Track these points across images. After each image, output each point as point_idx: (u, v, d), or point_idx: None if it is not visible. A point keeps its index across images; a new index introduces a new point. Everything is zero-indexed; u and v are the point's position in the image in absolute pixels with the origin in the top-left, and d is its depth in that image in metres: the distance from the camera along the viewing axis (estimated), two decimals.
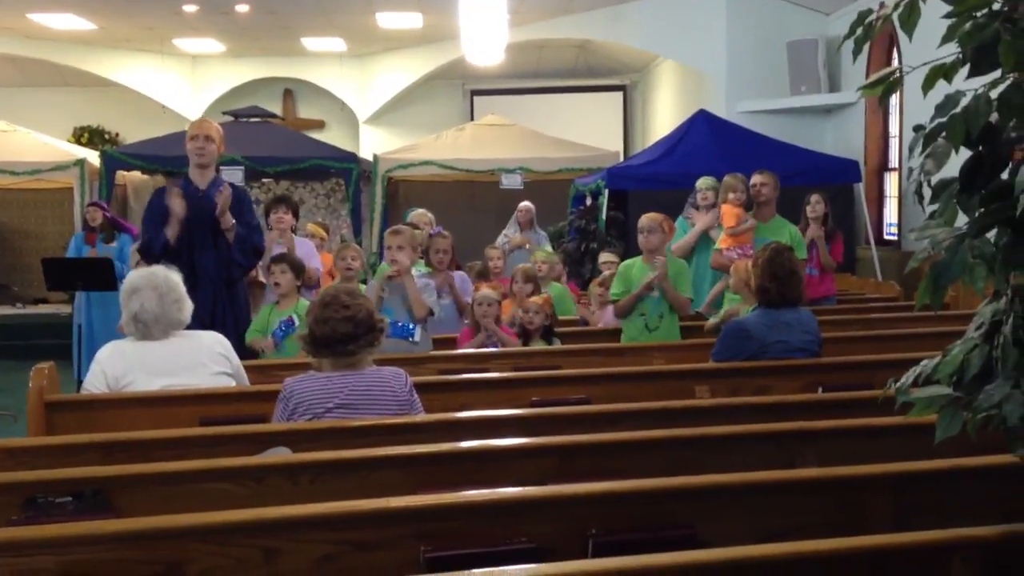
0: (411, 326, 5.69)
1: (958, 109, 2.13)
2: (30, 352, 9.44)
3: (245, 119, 14.68)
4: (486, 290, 5.95)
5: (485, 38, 12.36)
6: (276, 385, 4.07)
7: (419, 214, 7.94)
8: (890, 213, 11.92)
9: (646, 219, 6.20)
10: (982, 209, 2.14)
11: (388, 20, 15.56)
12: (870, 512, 2.93)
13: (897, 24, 2.24)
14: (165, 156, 12.64)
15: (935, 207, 2.22)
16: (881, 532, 2.70)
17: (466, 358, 5.51)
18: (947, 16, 2.17)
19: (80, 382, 8.20)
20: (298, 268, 6.13)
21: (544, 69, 18.78)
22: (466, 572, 2.34)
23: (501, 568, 2.35)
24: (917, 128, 2.24)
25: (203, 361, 4.46)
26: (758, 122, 12.41)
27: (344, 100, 19.11)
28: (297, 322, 5.75)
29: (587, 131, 16.86)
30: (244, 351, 5.48)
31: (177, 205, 5.87)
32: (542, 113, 18.09)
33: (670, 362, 5.44)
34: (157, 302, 4.35)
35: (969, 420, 2.16)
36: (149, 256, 5.89)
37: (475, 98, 19.68)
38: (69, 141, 17.33)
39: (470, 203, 14.64)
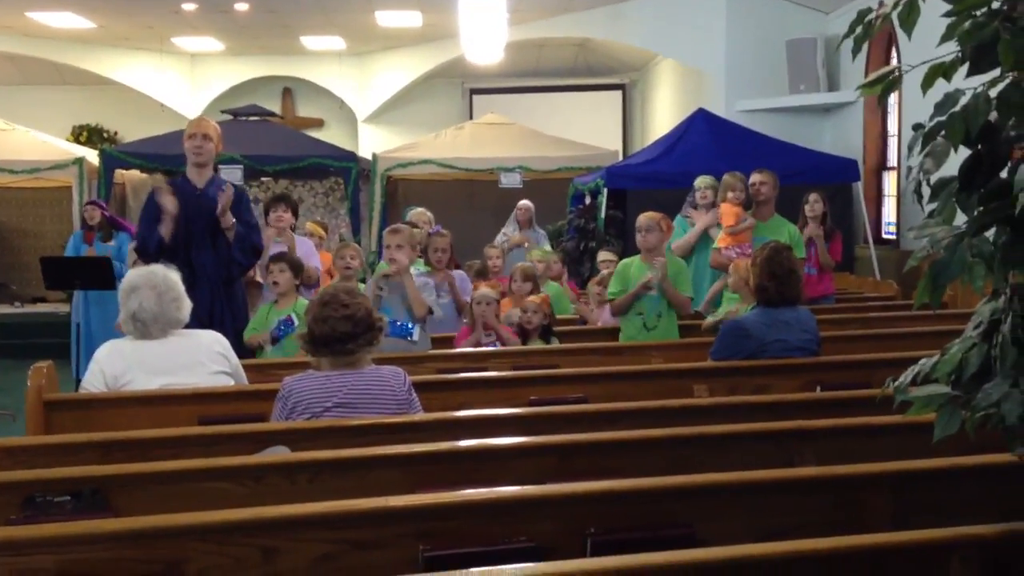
0: (410, 325, 5.69)
1: (957, 108, 2.13)
2: (28, 351, 9.44)
3: (244, 118, 14.68)
4: (485, 289, 5.96)
5: (484, 37, 12.37)
6: (275, 384, 4.07)
7: (418, 213, 7.94)
8: (888, 212, 11.93)
9: (644, 218, 6.20)
10: (981, 208, 2.14)
11: (387, 19, 15.56)
12: (869, 511, 2.93)
13: (896, 23, 2.24)
14: (164, 155, 12.64)
15: (934, 206, 2.22)
16: (880, 531, 2.70)
17: (465, 357, 5.51)
18: (946, 15, 2.17)
19: (78, 381, 8.19)
20: (297, 267, 6.13)
21: (543, 68, 18.79)
22: (465, 571, 2.33)
23: (500, 567, 2.35)
24: (916, 127, 2.24)
25: (202, 360, 4.45)
26: (757, 121, 12.41)
27: (343, 99, 19.12)
28: (296, 321, 5.75)
29: (586, 130, 16.87)
30: (242, 350, 5.47)
31: (169, 202, 5.87)
32: (541, 112, 18.09)
33: (668, 361, 5.43)
34: (156, 301, 4.34)
35: (967, 419, 2.16)
36: (145, 255, 5.89)
37: (474, 97, 19.69)
38: (68, 140, 17.34)
39: (469, 202, 14.64)
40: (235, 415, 4.17)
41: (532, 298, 6.16)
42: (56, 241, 13.74)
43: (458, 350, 5.77)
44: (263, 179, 14.51)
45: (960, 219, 2.18)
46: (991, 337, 2.18)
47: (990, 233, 2.14)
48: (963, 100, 2.13)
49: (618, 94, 19.91)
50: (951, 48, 2.17)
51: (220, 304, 5.98)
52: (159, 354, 4.37)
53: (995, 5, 2.11)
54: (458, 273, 6.79)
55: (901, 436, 3.45)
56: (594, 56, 18.33)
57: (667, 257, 6.20)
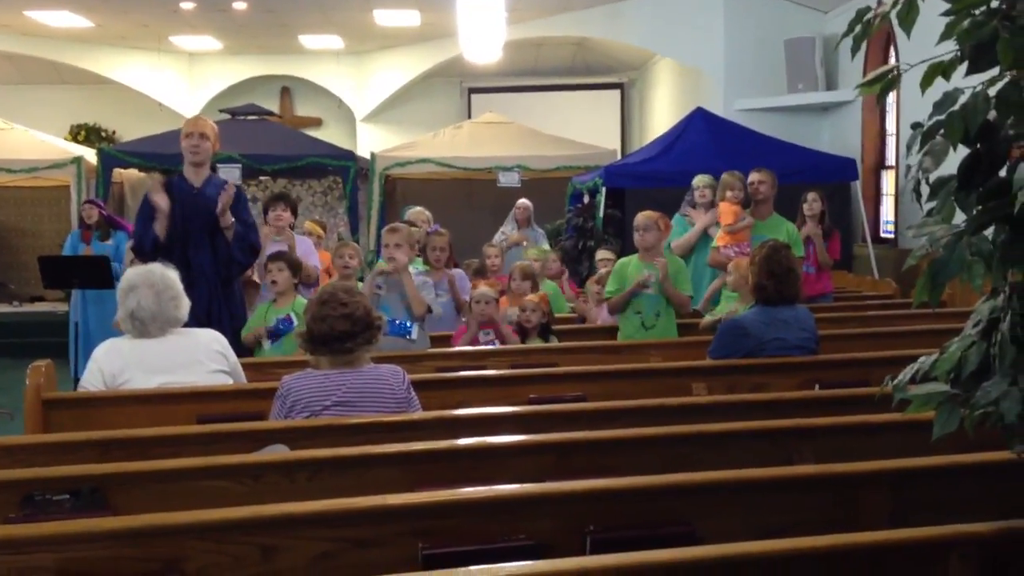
0: (408, 324, 5.69)
1: (956, 107, 2.13)
2: (27, 350, 9.42)
3: (242, 117, 14.67)
4: (484, 288, 5.96)
5: (483, 36, 12.36)
6: (273, 383, 4.07)
7: (417, 212, 7.94)
8: (887, 211, 11.94)
9: (642, 217, 6.21)
10: (980, 206, 2.14)
11: (386, 18, 15.55)
12: (867, 509, 2.93)
13: (895, 22, 2.24)
14: (162, 154, 12.65)
15: (933, 204, 2.23)
16: (878, 529, 2.70)
17: (463, 356, 5.51)
18: (945, 14, 2.17)
19: (77, 380, 8.19)
20: (295, 266, 6.13)
21: (542, 67, 18.79)
22: (464, 569, 2.34)
23: (499, 565, 2.35)
24: (915, 125, 2.24)
25: (200, 359, 4.45)
26: (755, 120, 12.41)
27: (341, 98, 19.11)
28: (295, 320, 5.75)
29: (584, 129, 16.87)
30: (240, 349, 5.47)
31: (161, 200, 5.86)
32: (539, 111, 18.09)
33: (667, 359, 5.44)
34: (154, 300, 4.34)
35: (966, 417, 2.16)
36: (141, 254, 5.89)
37: (473, 96, 19.68)
38: (66, 139, 17.33)
39: (468, 201, 14.64)
40: (234, 414, 4.17)
41: (531, 297, 6.17)
42: (54, 240, 13.74)
43: (457, 348, 5.77)
44: (261, 178, 14.51)
45: (959, 218, 2.18)
46: (990, 335, 2.18)
47: (989, 232, 2.14)
48: (962, 99, 2.13)
49: (616, 93, 19.91)
50: (950, 47, 2.17)
51: (218, 303, 5.98)
52: (158, 353, 4.37)
53: (994, 4, 2.11)
54: (457, 272, 6.79)
55: (900, 434, 3.45)
56: (592, 55, 18.33)
57: (666, 256, 6.21)
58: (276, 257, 6.11)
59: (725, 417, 3.89)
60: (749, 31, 13.20)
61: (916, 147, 2.23)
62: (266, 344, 5.93)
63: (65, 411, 4.24)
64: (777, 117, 12.89)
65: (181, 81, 18.75)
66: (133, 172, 14.13)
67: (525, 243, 10.26)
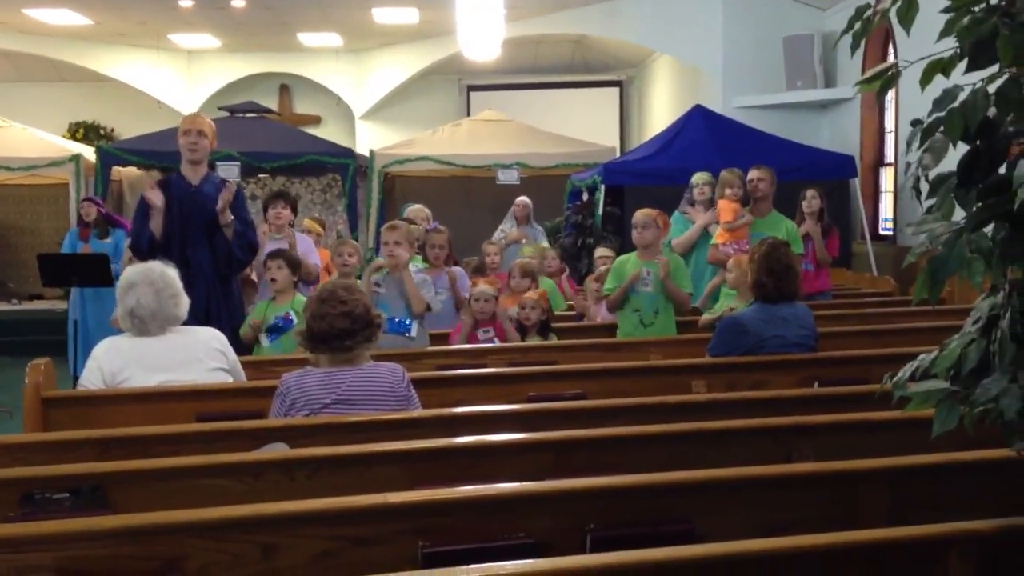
0: (408, 322, 5.68)
1: (956, 104, 2.13)
2: (25, 348, 9.44)
3: (241, 115, 14.66)
4: (483, 286, 5.96)
5: (482, 33, 12.34)
6: (273, 381, 4.07)
7: (416, 209, 7.94)
8: (885, 208, 11.94)
9: (640, 215, 6.21)
10: (979, 203, 2.14)
11: (384, 15, 15.54)
12: (867, 506, 2.93)
13: (895, 19, 2.23)
14: (161, 151, 12.64)
15: (932, 202, 2.22)
16: (877, 526, 2.70)
17: (463, 353, 5.51)
18: (945, 11, 2.17)
19: (76, 378, 8.19)
20: (294, 264, 6.12)
21: (540, 64, 18.78)
22: (464, 567, 2.33)
23: (499, 563, 2.35)
24: (915, 123, 2.24)
25: (199, 357, 4.45)
26: (754, 117, 12.41)
27: (340, 95, 19.10)
28: (294, 318, 5.75)
29: (583, 126, 16.87)
30: (239, 347, 5.47)
31: (155, 197, 5.86)
32: (538, 108, 18.08)
33: (666, 357, 5.44)
34: (153, 298, 4.34)
35: (966, 414, 2.16)
36: (138, 252, 5.89)
37: (471, 93, 19.68)
38: (64, 137, 17.32)
39: (466, 199, 14.65)
40: (233, 412, 4.17)
41: (530, 294, 6.18)
42: (53, 238, 13.75)
43: (456, 346, 5.77)
44: (260, 176, 14.51)
45: (959, 215, 2.18)
46: (990, 332, 2.18)
47: (989, 229, 2.14)
48: (962, 96, 2.13)
49: (615, 91, 19.91)
50: (948, 44, 2.17)
51: (216, 301, 5.98)
52: (157, 351, 4.37)
53: (993, 1, 2.11)
54: (458, 270, 6.79)
55: (899, 432, 3.44)
56: (591, 53, 18.32)
57: (666, 254, 6.22)
58: (275, 255, 6.11)
59: (725, 415, 3.90)
60: (748, 28, 13.20)
61: (916, 144, 2.23)
62: (265, 342, 5.93)
63: (64, 409, 4.24)
64: (776, 114, 12.89)
65: (180, 79, 18.74)
66: (132, 170, 14.13)
67: (524, 241, 10.25)
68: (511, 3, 13.42)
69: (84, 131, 19.12)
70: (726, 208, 7.02)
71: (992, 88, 2.12)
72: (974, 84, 2.12)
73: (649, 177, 10.63)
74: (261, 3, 14.64)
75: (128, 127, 18.21)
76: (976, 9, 2.13)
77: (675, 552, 2.40)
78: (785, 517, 2.87)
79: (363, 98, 19.03)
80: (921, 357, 2.34)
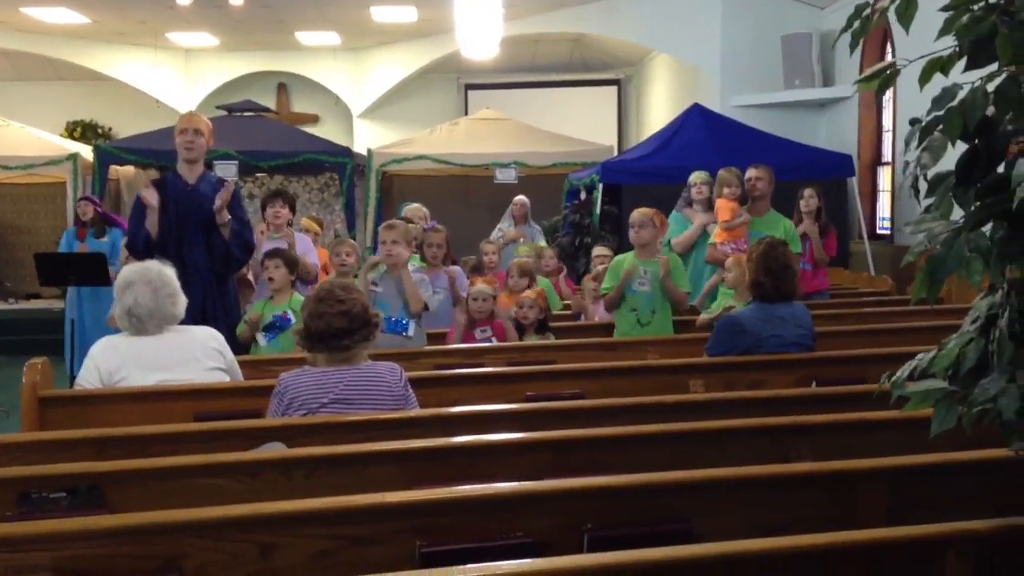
0: (405, 321, 5.67)
1: (955, 102, 2.12)
2: (22, 347, 9.44)
3: (239, 113, 14.64)
4: (481, 285, 5.96)
5: (480, 32, 12.34)
6: (270, 380, 4.06)
7: (413, 208, 7.92)
8: (883, 207, 11.94)
9: (637, 214, 6.21)
10: (978, 203, 2.14)
11: (382, 14, 15.53)
12: (865, 506, 2.93)
13: (894, 17, 2.23)
14: (158, 150, 12.62)
15: (931, 201, 2.22)
16: (876, 526, 2.70)
17: (461, 353, 5.51)
18: (944, 9, 2.16)
19: (72, 377, 8.18)
20: (292, 263, 6.12)
21: (539, 63, 18.78)
22: (461, 567, 2.33)
23: (496, 563, 2.34)
24: (913, 121, 2.24)
25: (197, 356, 4.45)
26: (752, 116, 12.41)
27: (338, 94, 19.10)
28: (292, 317, 5.74)
29: (581, 125, 16.88)
30: (236, 346, 5.47)
31: (150, 196, 5.85)
32: (536, 107, 18.09)
33: (664, 356, 5.43)
34: (151, 297, 4.33)
35: (964, 414, 2.16)
36: (135, 252, 5.88)
37: (469, 92, 19.67)
38: (62, 135, 17.31)
39: (464, 198, 14.65)
40: (231, 411, 4.17)
41: (528, 293, 6.18)
42: (50, 237, 13.74)
43: (454, 346, 5.77)
44: (258, 175, 14.49)
45: (957, 214, 2.17)
46: (988, 332, 2.18)
47: (987, 228, 2.14)
48: (960, 94, 2.13)
49: (613, 89, 19.90)
50: (947, 43, 2.17)
51: (212, 300, 5.97)
52: (154, 350, 4.36)
53: None
54: (457, 269, 6.79)
55: (897, 431, 3.44)
56: (589, 51, 18.32)
57: (665, 253, 6.22)
58: (273, 254, 6.10)
59: (723, 414, 3.90)
60: (746, 27, 13.19)
61: (914, 143, 2.22)
62: (262, 341, 5.92)
63: (61, 409, 4.24)
64: (774, 113, 12.89)
65: (178, 77, 18.73)
66: (129, 169, 14.12)
67: (522, 240, 10.25)
68: (509, 2, 13.41)
69: (82, 130, 19.11)
70: (724, 207, 7.01)
71: (991, 87, 2.11)
72: (973, 83, 2.12)
73: (647, 176, 10.63)
74: (259, 2, 14.63)
75: (126, 126, 18.19)
76: (975, 8, 2.12)
77: (673, 552, 2.40)
78: (783, 517, 2.87)
79: (361, 97, 19.03)
80: (919, 357, 2.34)
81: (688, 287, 6.37)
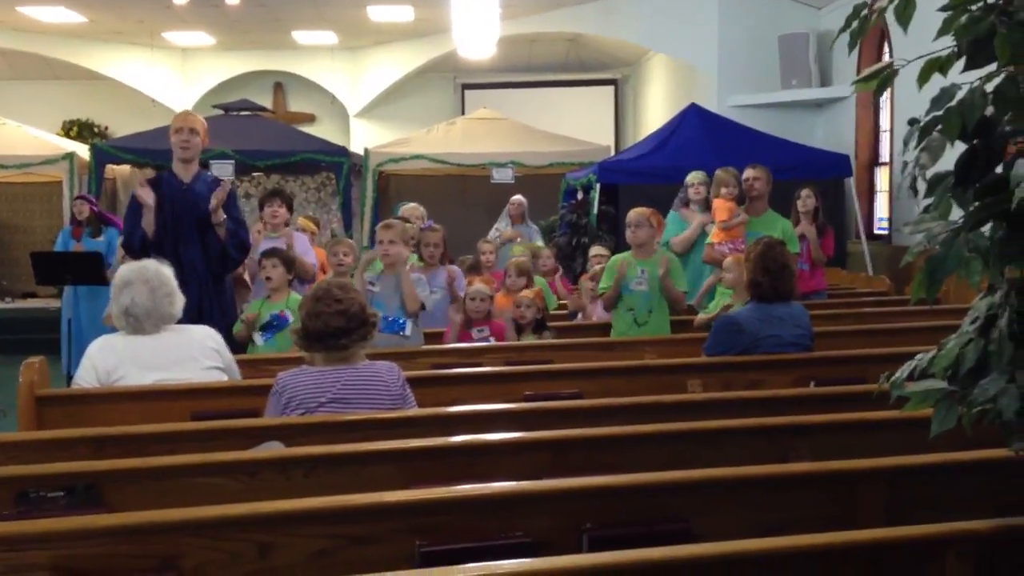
0: (402, 320, 5.67)
1: (953, 102, 2.12)
2: (18, 346, 9.41)
3: (235, 113, 14.63)
4: (479, 285, 5.96)
5: (477, 31, 12.33)
6: (268, 380, 4.06)
7: (411, 208, 7.93)
8: (881, 208, 11.94)
9: (634, 214, 6.22)
10: (977, 203, 2.14)
11: (379, 13, 15.52)
12: (864, 506, 2.93)
13: (893, 17, 2.23)
14: (155, 150, 12.60)
15: (929, 201, 2.22)
16: (875, 526, 2.70)
17: (458, 352, 5.51)
18: (942, 9, 2.16)
19: (69, 376, 8.17)
20: (289, 262, 6.11)
21: (535, 63, 18.78)
22: (461, 567, 2.33)
23: (496, 563, 2.34)
24: (912, 121, 2.24)
25: (194, 355, 4.44)
26: (749, 116, 12.40)
27: (335, 94, 19.08)
28: (289, 316, 5.74)
29: (578, 125, 16.87)
30: (233, 345, 5.46)
31: (146, 195, 5.84)
32: (533, 107, 18.08)
33: (662, 356, 5.43)
34: (148, 296, 4.33)
35: (964, 414, 2.16)
36: (131, 251, 5.87)
37: (466, 92, 19.66)
38: (58, 134, 17.28)
39: (461, 197, 14.64)
40: (229, 410, 4.16)
41: (526, 292, 6.19)
42: (46, 236, 13.72)
43: (452, 345, 5.77)
44: (254, 174, 14.48)
45: (956, 214, 2.17)
46: (988, 332, 2.18)
47: (986, 228, 2.14)
48: (959, 95, 2.12)
49: (610, 89, 19.90)
50: (944, 43, 2.17)
51: (209, 300, 5.97)
52: (152, 349, 4.36)
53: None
54: (455, 268, 6.79)
55: (896, 431, 3.44)
56: (586, 51, 18.32)
57: (664, 253, 6.24)
58: (270, 253, 6.10)
59: (721, 414, 3.90)
60: (743, 27, 13.19)
61: (913, 143, 2.22)
62: (259, 340, 5.92)
63: (59, 408, 4.23)
64: (771, 113, 12.89)
65: (174, 77, 18.70)
66: (126, 168, 14.10)
67: (519, 239, 10.25)
68: (506, 1, 13.41)
69: (78, 129, 19.08)
70: (721, 207, 7.02)
71: (990, 87, 2.11)
72: (972, 83, 2.12)
73: (644, 176, 10.62)
74: (255, 1, 14.61)
75: (122, 125, 18.15)
76: (973, 8, 2.12)
77: (672, 552, 2.40)
78: (782, 517, 2.87)
79: (357, 96, 19.01)
80: (919, 357, 2.34)
81: (686, 287, 6.38)
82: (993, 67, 2.12)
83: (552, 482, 2.91)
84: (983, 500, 2.89)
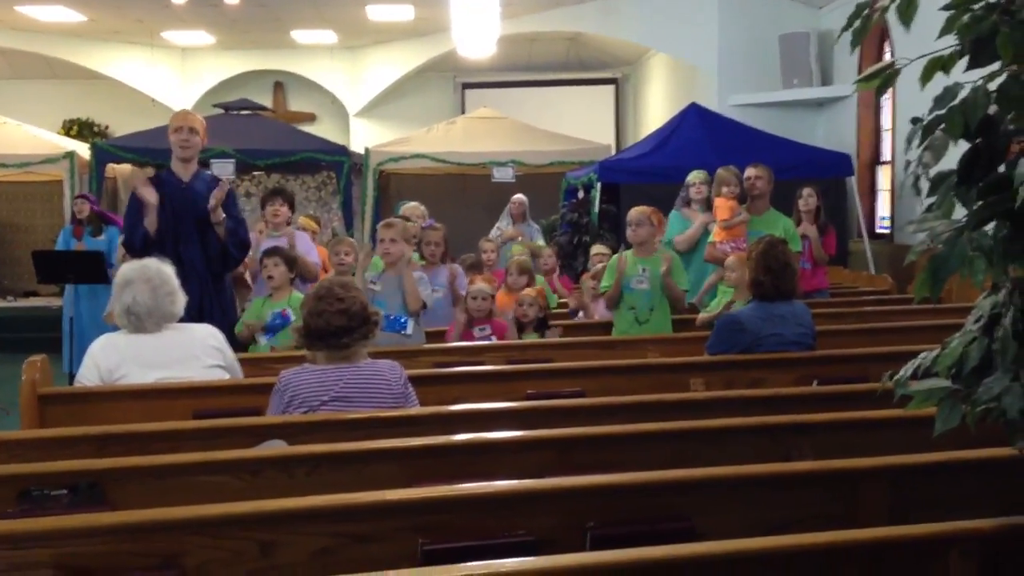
0: (403, 319, 5.67)
1: (956, 101, 2.12)
2: (20, 345, 9.41)
3: (235, 112, 14.63)
4: (481, 284, 5.96)
5: (476, 31, 12.33)
6: (270, 378, 4.06)
7: (411, 207, 7.92)
8: (882, 206, 11.94)
9: (634, 212, 6.22)
10: (980, 202, 2.14)
11: (379, 12, 15.52)
12: (867, 505, 2.93)
13: (895, 16, 2.23)
14: (155, 148, 12.59)
15: (933, 200, 2.22)
16: (878, 525, 2.70)
17: (460, 351, 5.51)
18: (945, 8, 2.16)
19: (70, 375, 8.17)
20: (291, 261, 6.11)
21: (536, 62, 18.77)
22: (464, 565, 2.33)
23: (499, 561, 2.34)
24: (915, 120, 2.23)
25: (196, 354, 4.45)
26: (750, 115, 12.41)
27: (335, 93, 19.08)
28: (291, 315, 5.74)
29: (579, 124, 16.87)
30: (234, 344, 5.46)
31: (148, 194, 5.84)
32: (533, 106, 18.08)
33: (664, 355, 5.43)
34: (150, 295, 4.33)
35: (968, 413, 2.16)
36: (132, 250, 5.87)
37: (466, 91, 19.66)
38: (59, 134, 17.28)
39: (462, 196, 14.64)
40: (231, 409, 4.16)
41: (528, 291, 6.18)
42: (47, 235, 13.72)
43: (454, 344, 5.77)
44: (255, 173, 14.48)
45: (959, 213, 2.17)
46: (991, 331, 2.18)
47: (989, 227, 2.13)
48: (962, 94, 2.12)
49: (610, 88, 19.90)
50: (946, 42, 2.17)
51: (209, 299, 5.97)
52: (154, 348, 4.36)
53: None
54: (457, 266, 6.79)
55: (899, 430, 3.44)
56: (586, 50, 18.32)
57: (666, 251, 6.24)
58: (272, 252, 6.10)
59: (723, 413, 3.90)
60: (743, 26, 13.19)
61: (916, 142, 2.22)
62: (262, 339, 5.92)
63: (61, 406, 4.23)
64: (772, 112, 12.89)
65: (174, 76, 18.70)
66: (126, 167, 14.10)
67: (520, 238, 10.25)
68: (506, 0, 13.41)
69: (78, 128, 19.07)
70: (722, 206, 7.01)
71: (993, 86, 2.11)
72: (974, 82, 2.12)
73: (645, 175, 10.63)
74: (255, 0, 14.61)
75: (122, 124, 18.14)
76: (975, 7, 2.12)
77: (675, 550, 2.40)
78: (784, 516, 2.87)
79: (357, 95, 19.01)
80: (923, 355, 2.34)
81: (687, 285, 6.38)
82: (996, 66, 2.12)
83: (555, 481, 2.91)
84: (987, 499, 2.89)
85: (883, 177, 11.89)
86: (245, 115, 14.61)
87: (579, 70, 19.28)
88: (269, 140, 13.63)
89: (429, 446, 3.39)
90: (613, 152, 14.94)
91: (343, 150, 14.22)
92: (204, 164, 6.29)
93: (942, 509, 2.72)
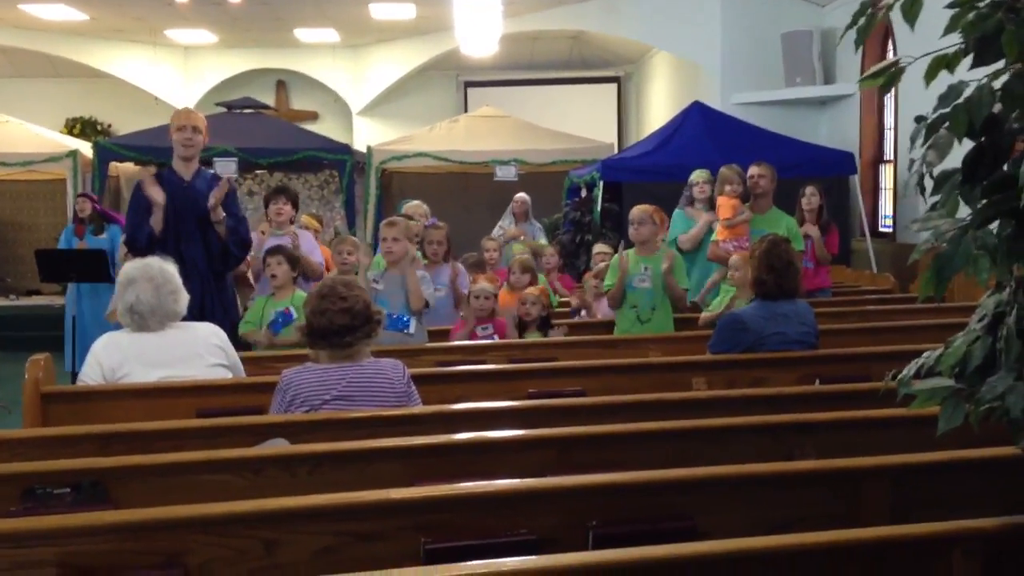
0: (406, 318, 5.67)
1: (961, 100, 2.12)
2: (22, 343, 9.41)
3: (238, 110, 14.64)
4: (483, 283, 5.95)
5: (479, 29, 12.34)
6: (273, 377, 4.06)
7: (414, 206, 7.92)
8: (885, 205, 11.93)
9: (636, 211, 6.22)
10: (984, 200, 2.13)
11: (381, 11, 15.52)
12: (869, 504, 2.92)
13: (900, 14, 2.22)
14: (158, 147, 12.59)
15: (937, 198, 2.22)
16: (880, 524, 2.70)
17: (463, 350, 5.51)
18: (950, 6, 2.16)
19: (73, 374, 8.18)
20: (294, 260, 6.11)
21: (538, 61, 18.77)
22: (466, 563, 2.33)
23: (501, 560, 2.34)
24: (919, 119, 2.23)
25: (199, 353, 4.45)
26: (753, 114, 12.40)
27: (337, 91, 19.09)
28: (294, 314, 5.74)
29: (581, 123, 16.87)
30: (236, 342, 5.46)
31: (156, 194, 5.84)
32: (536, 105, 18.08)
33: (666, 354, 5.43)
34: (153, 293, 4.33)
35: (971, 412, 2.15)
36: (135, 249, 5.86)
37: (469, 90, 19.67)
38: (61, 132, 17.29)
39: (464, 195, 14.63)
40: (233, 408, 4.16)
41: (531, 290, 6.18)
42: (50, 234, 13.75)
43: (456, 343, 5.77)
44: (257, 172, 14.49)
45: (963, 211, 2.17)
46: (995, 330, 2.18)
47: (994, 226, 2.13)
48: (967, 92, 2.12)
49: (613, 87, 19.90)
50: (949, 41, 2.16)
51: (211, 297, 5.97)
52: (157, 347, 4.36)
53: None
54: (460, 265, 6.79)
55: (902, 429, 3.44)
56: (589, 49, 18.31)
57: (669, 249, 6.24)
58: (275, 251, 6.10)
59: (725, 412, 3.89)
60: (746, 25, 13.19)
61: (920, 140, 2.22)
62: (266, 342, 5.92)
63: (64, 405, 4.23)
64: (774, 111, 12.88)
65: (176, 74, 18.72)
66: (129, 165, 14.11)
67: (523, 237, 10.24)
68: None
69: (81, 127, 19.10)
70: (725, 205, 7.00)
71: (997, 84, 2.11)
72: (979, 80, 2.11)
73: (647, 174, 10.62)
74: None
75: (125, 123, 18.17)
76: (980, 5, 2.12)
77: (677, 549, 2.39)
78: (787, 515, 2.86)
79: (360, 94, 19.02)
80: (926, 354, 2.34)
81: (688, 284, 6.38)
82: (1001, 64, 2.12)
83: (556, 480, 2.91)
84: (990, 498, 2.89)
85: (886, 176, 11.87)
86: (248, 114, 14.63)
87: (581, 68, 19.28)
88: (272, 139, 13.64)
89: (431, 445, 3.39)
90: (616, 151, 14.96)
91: (345, 149, 14.22)
92: (206, 163, 6.27)
93: (945, 508, 2.72)
